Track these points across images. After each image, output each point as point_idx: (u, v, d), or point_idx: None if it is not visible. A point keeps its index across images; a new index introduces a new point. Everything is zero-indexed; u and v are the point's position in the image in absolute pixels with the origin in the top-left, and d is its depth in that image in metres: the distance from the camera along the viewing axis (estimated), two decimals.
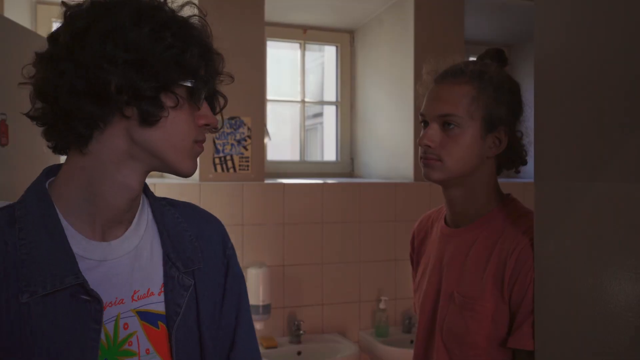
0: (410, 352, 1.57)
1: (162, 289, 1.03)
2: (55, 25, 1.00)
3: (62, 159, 1.02)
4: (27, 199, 0.95)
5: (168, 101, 0.93)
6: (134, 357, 0.98)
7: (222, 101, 1.06)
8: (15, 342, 0.88)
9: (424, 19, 3.59)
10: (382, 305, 3.38)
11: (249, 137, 3.27)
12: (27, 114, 0.96)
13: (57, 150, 0.99)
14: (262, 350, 3.05)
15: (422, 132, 1.40)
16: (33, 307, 0.89)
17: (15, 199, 1.56)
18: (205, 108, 1.00)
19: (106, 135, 0.93)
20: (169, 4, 0.98)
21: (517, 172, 1.45)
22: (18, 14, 3.08)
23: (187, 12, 1.00)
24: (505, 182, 3.21)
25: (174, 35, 0.93)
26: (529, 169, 1.28)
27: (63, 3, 0.96)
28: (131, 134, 0.94)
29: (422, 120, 1.42)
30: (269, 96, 3.90)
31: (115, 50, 0.89)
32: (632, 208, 0.95)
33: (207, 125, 1.00)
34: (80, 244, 0.96)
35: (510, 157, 1.42)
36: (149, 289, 1.02)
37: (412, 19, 3.58)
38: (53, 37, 0.94)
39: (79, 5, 0.95)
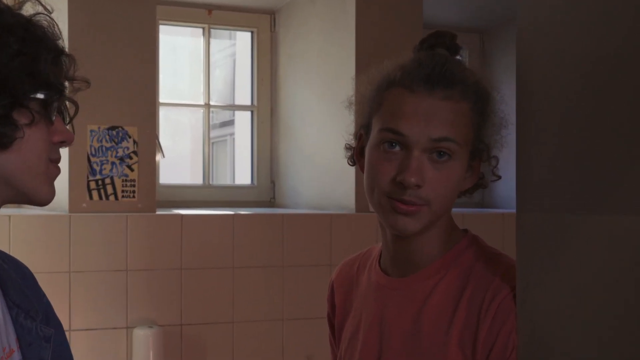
0: None
1: (18, 344, 1.15)
2: None
3: None
4: None
5: (22, 119, 1.03)
6: None
7: (72, 109, 1.17)
8: None
9: None
10: None
11: (134, 153, 3.23)
12: None
13: None
14: None
15: (398, 162, 1.30)
16: None
17: None
18: (58, 122, 1.11)
19: None
20: (5, 2, 1.07)
21: (470, 194, 1.46)
22: None
23: (29, 9, 1.11)
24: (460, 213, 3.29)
25: (20, 40, 1.02)
26: (481, 195, 1.30)
27: None
28: None
29: (389, 140, 1.32)
30: (162, 99, 3.88)
31: None
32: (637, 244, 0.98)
33: (62, 142, 1.12)
34: None
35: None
36: (5, 347, 1.12)
37: None
38: None
39: None
